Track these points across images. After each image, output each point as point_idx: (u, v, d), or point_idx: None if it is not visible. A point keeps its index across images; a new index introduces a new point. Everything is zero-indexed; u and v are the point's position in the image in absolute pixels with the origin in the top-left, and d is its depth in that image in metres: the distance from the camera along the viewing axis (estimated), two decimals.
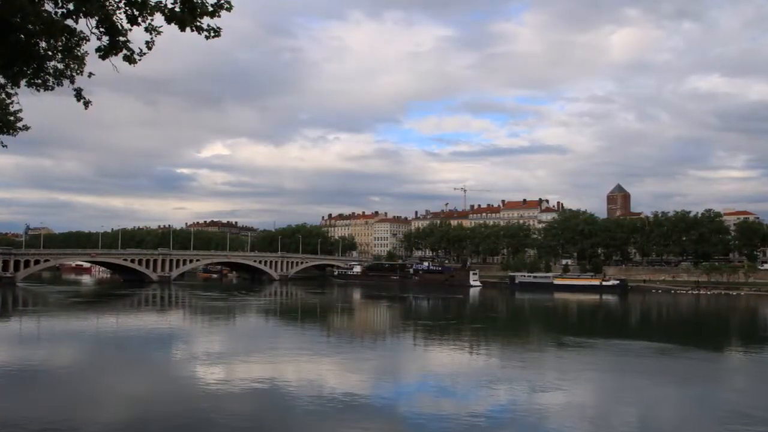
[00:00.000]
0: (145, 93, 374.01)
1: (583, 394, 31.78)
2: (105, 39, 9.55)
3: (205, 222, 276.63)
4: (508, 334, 58.61)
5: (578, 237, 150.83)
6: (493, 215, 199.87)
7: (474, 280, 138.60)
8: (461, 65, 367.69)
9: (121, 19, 9.43)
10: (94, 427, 22.85)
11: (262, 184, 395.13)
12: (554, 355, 45.14)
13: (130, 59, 9.78)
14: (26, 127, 15.61)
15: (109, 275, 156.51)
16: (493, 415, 26.34)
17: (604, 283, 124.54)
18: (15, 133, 15.16)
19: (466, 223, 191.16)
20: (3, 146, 15.03)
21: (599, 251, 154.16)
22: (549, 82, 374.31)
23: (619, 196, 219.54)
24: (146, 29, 9.49)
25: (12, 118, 14.78)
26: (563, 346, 49.01)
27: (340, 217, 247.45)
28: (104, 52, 9.62)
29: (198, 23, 9.50)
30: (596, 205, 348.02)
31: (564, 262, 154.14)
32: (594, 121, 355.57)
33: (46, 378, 32.45)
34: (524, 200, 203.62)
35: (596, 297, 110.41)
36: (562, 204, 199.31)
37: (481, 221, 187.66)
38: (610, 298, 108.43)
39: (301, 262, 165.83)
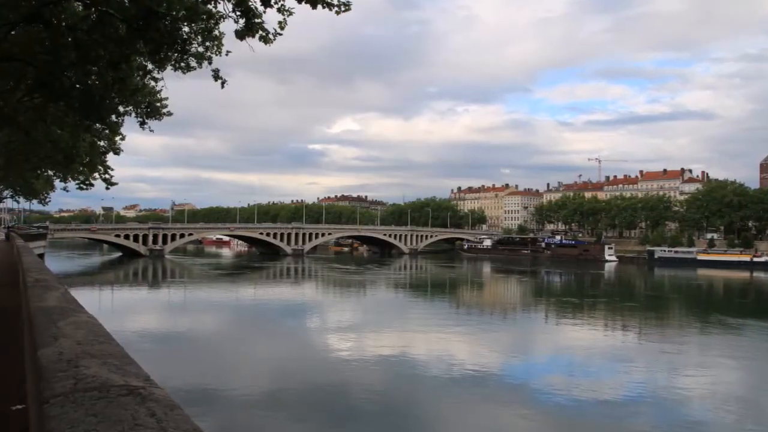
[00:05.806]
0: (279, 73, 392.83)
1: (730, 378, 29.68)
2: (242, 21, 9.96)
3: (335, 196, 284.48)
4: (648, 313, 55.59)
5: (726, 209, 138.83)
6: (630, 186, 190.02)
7: (609, 255, 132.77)
8: (595, 29, 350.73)
9: (255, 1, 9.82)
10: (235, 391, 24.31)
11: (391, 158, 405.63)
12: (698, 336, 42.48)
13: (265, 39, 10.15)
14: (170, 113, 17.01)
15: (246, 248, 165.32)
16: (630, 396, 25.30)
17: (755, 259, 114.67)
18: (160, 118, 16.60)
19: (601, 195, 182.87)
20: (150, 131, 16.41)
21: (750, 224, 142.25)
22: (692, 43, 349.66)
23: None
24: (278, 10, 9.85)
25: (159, 104, 16.15)
26: (708, 326, 46.04)
27: (470, 190, 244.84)
28: (241, 34, 10.03)
29: None
30: (747, 175, 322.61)
31: (709, 236, 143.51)
32: (745, 82, 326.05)
33: (193, 344, 35.09)
34: (664, 170, 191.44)
35: (746, 275, 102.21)
36: (707, 174, 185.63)
37: (617, 193, 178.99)
38: (762, 276, 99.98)
39: (431, 236, 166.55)
